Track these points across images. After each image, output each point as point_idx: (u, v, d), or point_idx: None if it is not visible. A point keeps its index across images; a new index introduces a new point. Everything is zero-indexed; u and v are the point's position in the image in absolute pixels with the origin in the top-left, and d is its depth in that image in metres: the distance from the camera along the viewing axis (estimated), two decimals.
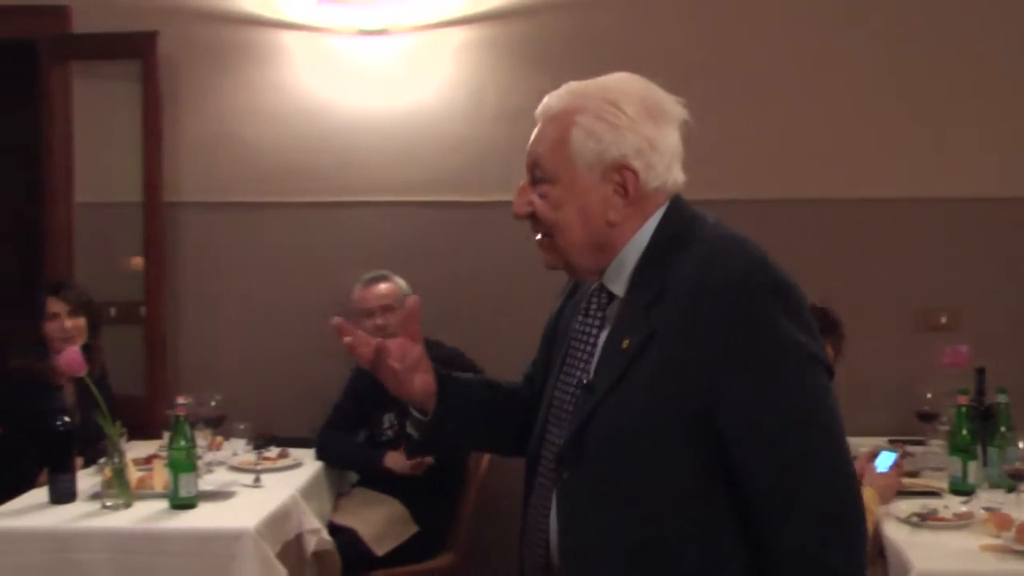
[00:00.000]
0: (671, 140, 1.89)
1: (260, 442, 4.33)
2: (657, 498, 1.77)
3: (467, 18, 5.02)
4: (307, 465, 4.33)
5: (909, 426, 4.44)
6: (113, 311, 5.04)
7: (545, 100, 1.93)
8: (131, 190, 5.08)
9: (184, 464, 3.58)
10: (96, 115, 5.19)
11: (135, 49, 4.99)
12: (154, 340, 5.03)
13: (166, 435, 3.95)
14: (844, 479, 1.75)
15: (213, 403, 4.33)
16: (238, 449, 4.35)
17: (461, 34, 5.02)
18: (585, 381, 1.88)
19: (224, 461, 4.24)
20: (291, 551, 3.78)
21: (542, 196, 1.89)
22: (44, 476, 3.84)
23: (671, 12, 4.98)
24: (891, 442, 4.21)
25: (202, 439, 4.14)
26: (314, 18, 5.02)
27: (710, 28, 4.97)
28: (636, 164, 1.85)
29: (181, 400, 3.85)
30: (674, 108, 1.90)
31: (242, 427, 4.39)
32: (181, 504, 3.58)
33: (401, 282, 4.61)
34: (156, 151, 5.00)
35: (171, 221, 5.10)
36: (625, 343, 1.82)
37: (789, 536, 1.72)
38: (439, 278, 4.91)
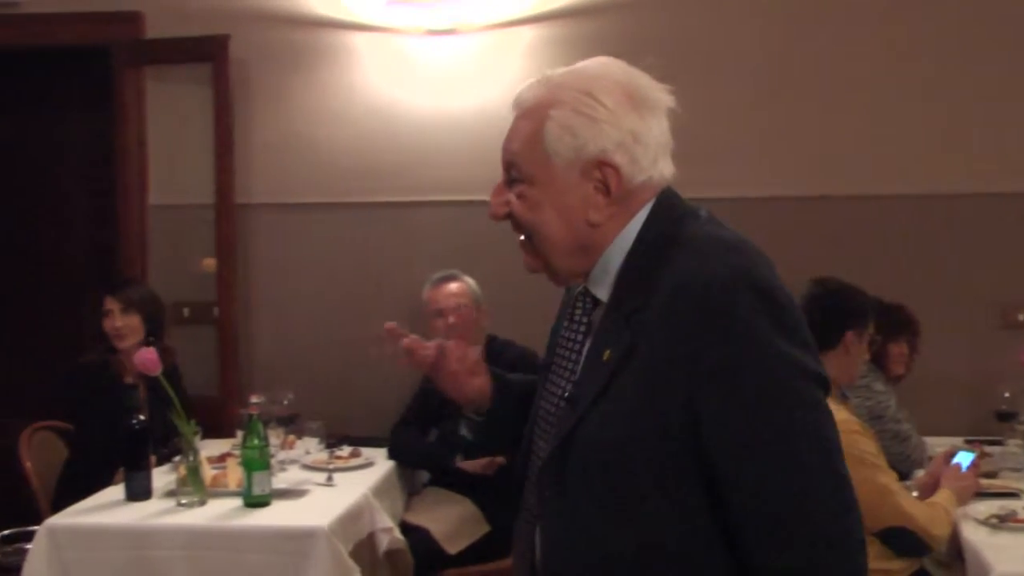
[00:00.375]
0: (657, 131, 1.72)
1: (332, 441, 4.36)
2: (640, 516, 1.64)
3: (535, 17, 5.01)
4: (379, 464, 4.33)
5: (987, 426, 4.36)
6: (186, 311, 5.11)
7: (518, 92, 1.80)
8: (203, 192, 5.14)
9: (258, 462, 3.60)
10: (169, 118, 5.26)
11: (207, 53, 5.05)
12: (227, 340, 5.08)
13: (239, 434, 3.99)
14: (839, 498, 1.58)
15: (285, 402, 4.36)
16: (311, 448, 4.37)
17: (530, 33, 5.01)
18: (567, 394, 1.77)
19: (297, 460, 4.26)
20: (364, 550, 3.80)
21: (519, 196, 1.76)
22: (120, 474, 3.89)
23: (740, 10, 4.94)
24: (968, 442, 4.14)
25: (275, 438, 4.17)
26: (383, 19, 5.04)
27: (783, 23, 4.91)
28: (618, 159, 1.70)
29: (254, 399, 3.88)
30: (660, 95, 1.74)
31: (314, 426, 4.42)
32: (255, 502, 3.60)
33: (471, 281, 4.61)
34: (227, 153, 5.06)
35: (243, 222, 5.15)
36: (606, 354, 1.68)
37: (780, 556, 1.58)
38: (509, 277, 4.88)
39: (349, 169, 5.11)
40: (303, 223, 5.16)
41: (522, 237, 1.81)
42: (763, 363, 1.59)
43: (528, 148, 1.75)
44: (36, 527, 3.58)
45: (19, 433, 4.42)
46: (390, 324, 1.95)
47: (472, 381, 2.00)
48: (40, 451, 4.43)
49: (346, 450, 4.38)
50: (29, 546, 3.52)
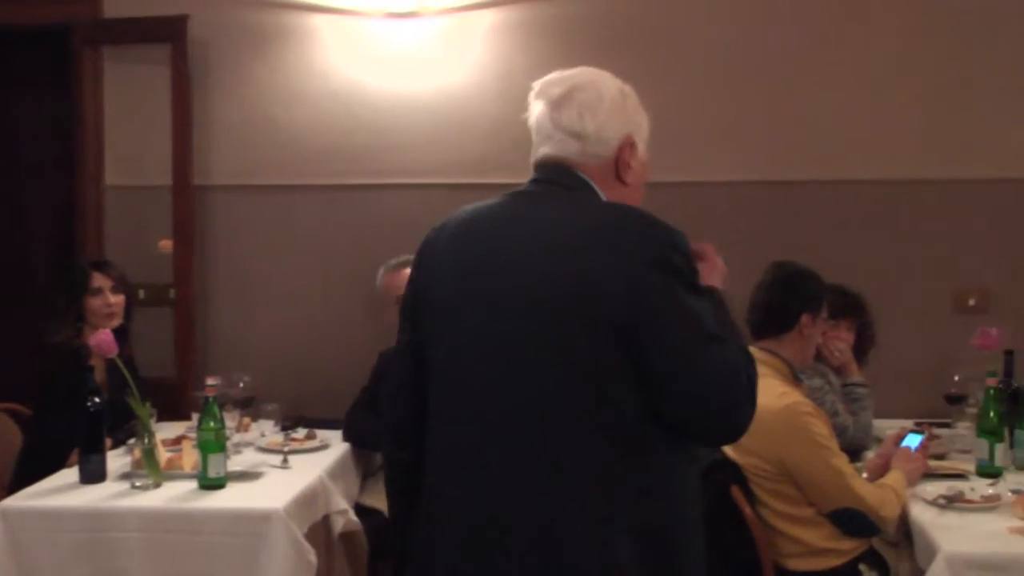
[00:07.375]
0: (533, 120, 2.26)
1: (288, 423, 4.35)
2: None
3: (496, 0, 5.00)
4: (334, 447, 4.32)
5: (937, 408, 4.41)
6: (142, 293, 5.05)
7: None
8: (161, 173, 5.11)
9: (213, 445, 3.58)
10: (127, 98, 5.23)
11: (165, 33, 5.02)
12: (183, 322, 5.06)
13: (195, 416, 3.97)
14: None
15: (242, 384, 4.34)
16: (266, 430, 4.36)
17: (491, 16, 5.01)
18: None
19: (252, 442, 4.25)
20: (319, 532, 3.80)
21: None
22: (74, 456, 3.87)
23: None
24: (917, 424, 4.17)
25: (231, 420, 4.15)
26: (343, 1, 5.03)
27: (743, 8, 4.94)
28: None
29: (211, 381, 3.83)
30: (541, 86, 2.24)
31: (270, 408, 4.40)
32: (210, 484, 3.59)
33: None
34: (186, 134, 5.03)
35: (201, 204, 5.13)
36: None
37: None
38: None
39: (308, 151, 5.11)
40: (262, 205, 5.15)
41: None
42: None
43: None
44: None
45: None
46: None
47: None
48: None
49: (301, 432, 4.36)
50: None
